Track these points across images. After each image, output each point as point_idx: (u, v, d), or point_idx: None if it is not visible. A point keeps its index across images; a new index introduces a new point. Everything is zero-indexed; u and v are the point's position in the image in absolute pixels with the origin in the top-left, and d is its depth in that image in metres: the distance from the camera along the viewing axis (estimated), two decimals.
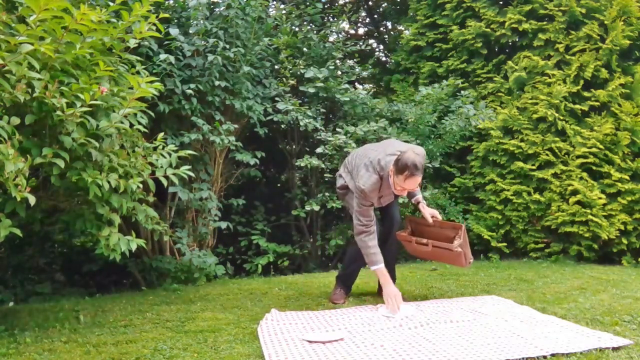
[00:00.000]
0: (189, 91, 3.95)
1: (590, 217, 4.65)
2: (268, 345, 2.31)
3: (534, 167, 5.05)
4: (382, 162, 2.94)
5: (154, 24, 2.85)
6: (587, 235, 4.71)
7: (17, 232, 2.33)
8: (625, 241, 4.71)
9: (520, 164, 5.07)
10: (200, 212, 4.41)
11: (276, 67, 5.17)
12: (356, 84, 7.07)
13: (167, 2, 4.27)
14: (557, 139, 4.97)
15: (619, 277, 3.95)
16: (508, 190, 5.11)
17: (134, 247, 2.75)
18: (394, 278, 3.28)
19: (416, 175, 2.76)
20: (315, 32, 5.59)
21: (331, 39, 6.00)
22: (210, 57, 3.97)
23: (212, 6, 4.42)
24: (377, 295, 3.39)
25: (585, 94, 5.00)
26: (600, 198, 4.67)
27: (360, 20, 8.45)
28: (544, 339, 2.28)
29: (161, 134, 3.15)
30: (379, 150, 3.04)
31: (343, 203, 3.53)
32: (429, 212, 3.24)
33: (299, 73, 5.15)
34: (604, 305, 3.00)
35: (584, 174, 4.81)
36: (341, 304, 3.22)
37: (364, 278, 4.01)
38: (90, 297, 4.02)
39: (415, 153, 2.78)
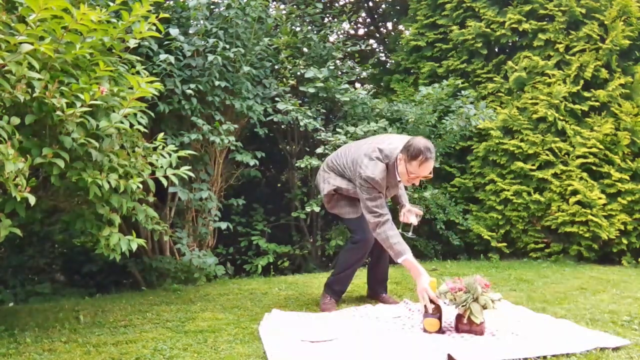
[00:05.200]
0: (189, 91, 3.95)
1: (590, 217, 4.65)
2: (268, 345, 2.31)
3: (534, 167, 5.05)
4: (385, 151, 2.84)
5: (154, 24, 2.85)
6: (587, 235, 4.71)
7: (17, 232, 2.33)
8: (625, 241, 4.71)
9: (520, 164, 5.07)
10: (200, 212, 4.41)
11: (276, 67, 5.17)
12: (356, 84, 7.07)
13: (167, 2, 4.27)
14: (557, 139, 4.97)
15: (619, 277, 3.96)
16: (508, 190, 5.10)
17: (134, 247, 2.75)
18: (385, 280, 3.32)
19: (431, 159, 2.67)
20: (315, 32, 5.58)
21: (331, 39, 6.00)
22: (210, 57, 3.97)
23: (212, 6, 4.42)
24: (367, 298, 3.39)
25: (585, 94, 4.99)
26: (600, 198, 4.67)
27: (360, 20, 8.45)
28: (543, 340, 2.28)
29: (161, 134, 3.15)
30: (375, 142, 2.94)
31: (333, 211, 3.17)
32: (413, 212, 3.05)
33: (299, 73, 5.15)
34: (604, 305, 3.00)
35: (584, 174, 4.81)
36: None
37: (362, 278, 4.01)
38: (90, 297, 4.02)
39: (424, 139, 2.72)
